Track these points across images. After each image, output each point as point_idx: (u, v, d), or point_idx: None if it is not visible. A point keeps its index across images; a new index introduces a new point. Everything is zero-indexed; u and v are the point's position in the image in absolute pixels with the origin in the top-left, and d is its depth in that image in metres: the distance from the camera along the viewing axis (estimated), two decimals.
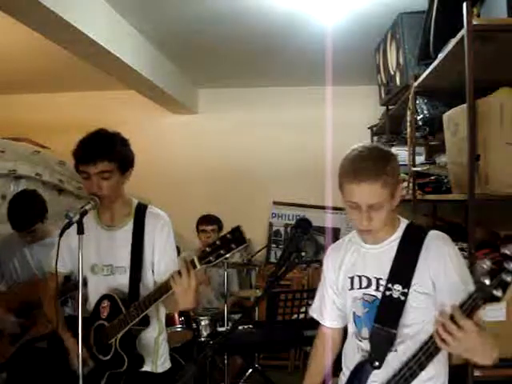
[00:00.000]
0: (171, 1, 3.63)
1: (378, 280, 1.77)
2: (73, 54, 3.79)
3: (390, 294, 1.71)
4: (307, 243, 5.81)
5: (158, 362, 2.26)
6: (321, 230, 5.87)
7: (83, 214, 1.97)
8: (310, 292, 3.82)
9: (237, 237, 1.86)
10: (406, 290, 1.69)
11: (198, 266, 1.93)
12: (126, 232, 2.21)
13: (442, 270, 1.67)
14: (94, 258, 2.22)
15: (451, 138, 2.48)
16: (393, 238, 1.79)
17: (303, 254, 1.72)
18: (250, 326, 3.79)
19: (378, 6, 3.65)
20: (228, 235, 1.87)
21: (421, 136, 3.16)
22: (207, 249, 1.90)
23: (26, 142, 4.76)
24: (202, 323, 3.88)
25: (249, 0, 3.61)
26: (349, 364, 1.85)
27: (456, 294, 1.51)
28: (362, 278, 1.81)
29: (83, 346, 2.01)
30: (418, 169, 3.05)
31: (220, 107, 6.21)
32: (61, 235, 1.96)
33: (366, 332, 1.80)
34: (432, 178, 2.88)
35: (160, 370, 2.25)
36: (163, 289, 2.01)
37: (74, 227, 1.96)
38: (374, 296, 1.78)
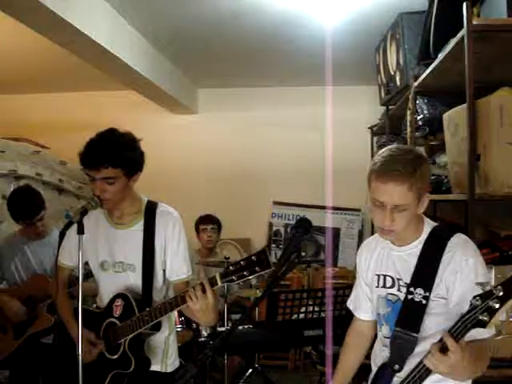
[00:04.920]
0: (171, 1, 3.63)
1: (399, 281, 1.81)
2: (73, 53, 3.79)
3: (412, 298, 1.72)
4: (307, 243, 5.83)
5: (168, 361, 2.25)
6: (321, 230, 5.88)
7: (83, 213, 1.98)
8: (310, 292, 3.81)
9: (262, 260, 1.84)
10: (427, 294, 1.70)
11: (219, 284, 1.91)
12: (136, 231, 2.19)
13: (457, 283, 1.67)
14: (103, 254, 2.21)
15: (451, 138, 2.48)
16: (416, 243, 1.79)
17: (303, 253, 1.71)
18: (250, 325, 3.79)
19: (378, 5, 3.66)
20: (253, 257, 1.85)
21: (421, 136, 3.16)
22: (231, 267, 1.88)
23: (26, 142, 4.76)
24: None
25: (249, 0, 3.61)
26: (377, 361, 1.88)
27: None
28: (387, 277, 1.85)
29: (96, 337, 2.14)
30: None
31: (220, 107, 6.21)
32: (61, 236, 1.96)
33: (386, 331, 1.83)
34: (432, 177, 2.88)
35: (169, 369, 2.25)
36: (180, 299, 1.98)
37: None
38: (396, 296, 1.81)
